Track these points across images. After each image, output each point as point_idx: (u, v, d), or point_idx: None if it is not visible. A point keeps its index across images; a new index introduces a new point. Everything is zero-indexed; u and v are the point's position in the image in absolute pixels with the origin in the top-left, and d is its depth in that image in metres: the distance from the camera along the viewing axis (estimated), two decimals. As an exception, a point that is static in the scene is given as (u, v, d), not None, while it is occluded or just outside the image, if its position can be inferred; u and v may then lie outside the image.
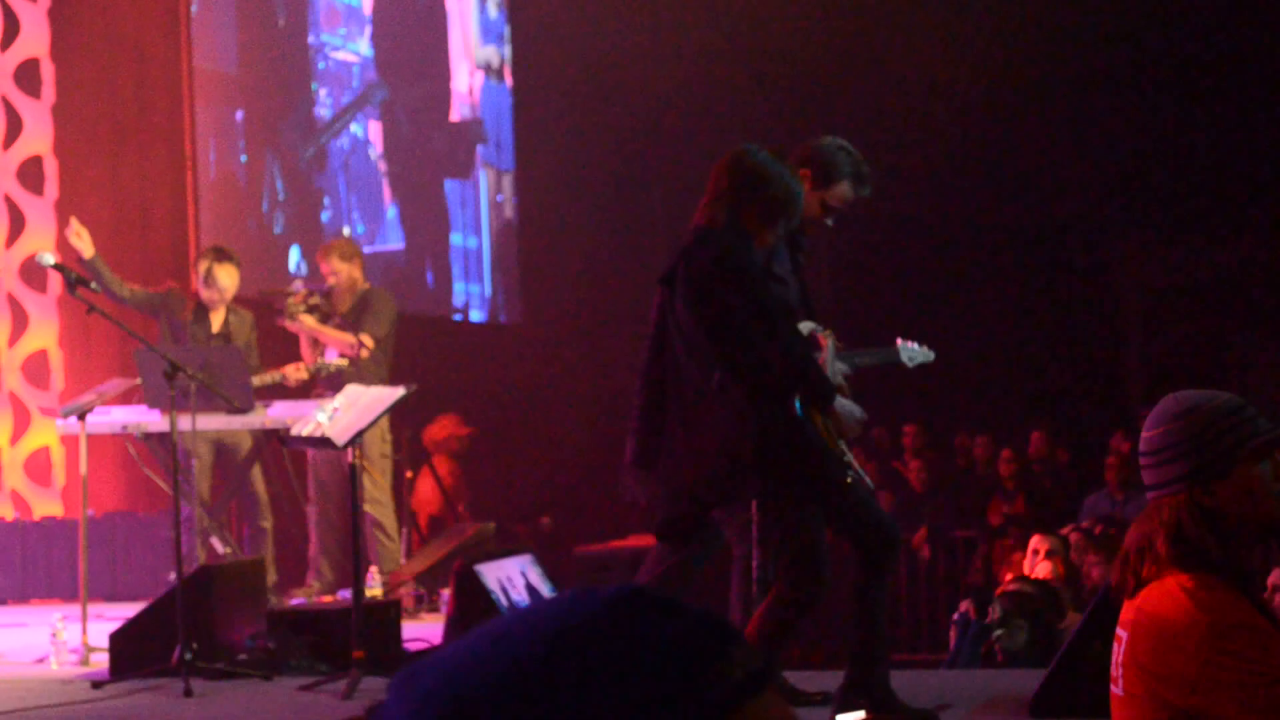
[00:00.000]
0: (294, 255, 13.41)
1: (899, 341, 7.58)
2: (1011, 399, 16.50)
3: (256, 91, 13.32)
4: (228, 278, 10.37)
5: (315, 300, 10.81)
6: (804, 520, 6.04)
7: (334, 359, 10.69)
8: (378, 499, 10.83)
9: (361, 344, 10.61)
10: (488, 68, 16.16)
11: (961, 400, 16.50)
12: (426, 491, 13.30)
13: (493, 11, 16.28)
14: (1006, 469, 14.72)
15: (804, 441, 6.00)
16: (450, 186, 15.52)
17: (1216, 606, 3.45)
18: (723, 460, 6.04)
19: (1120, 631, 3.59)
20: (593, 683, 1.30)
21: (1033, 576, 10.58)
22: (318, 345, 10.79)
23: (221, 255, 10.52)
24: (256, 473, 10.66)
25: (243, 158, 13.06)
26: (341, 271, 10.89)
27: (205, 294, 10.40)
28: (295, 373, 10.49)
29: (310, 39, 13.85)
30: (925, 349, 7.64)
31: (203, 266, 10.47)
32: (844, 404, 6.21)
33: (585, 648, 1.32)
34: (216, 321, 10.45)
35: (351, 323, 10.75)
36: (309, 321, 10.68)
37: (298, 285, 11.21)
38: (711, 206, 6.21)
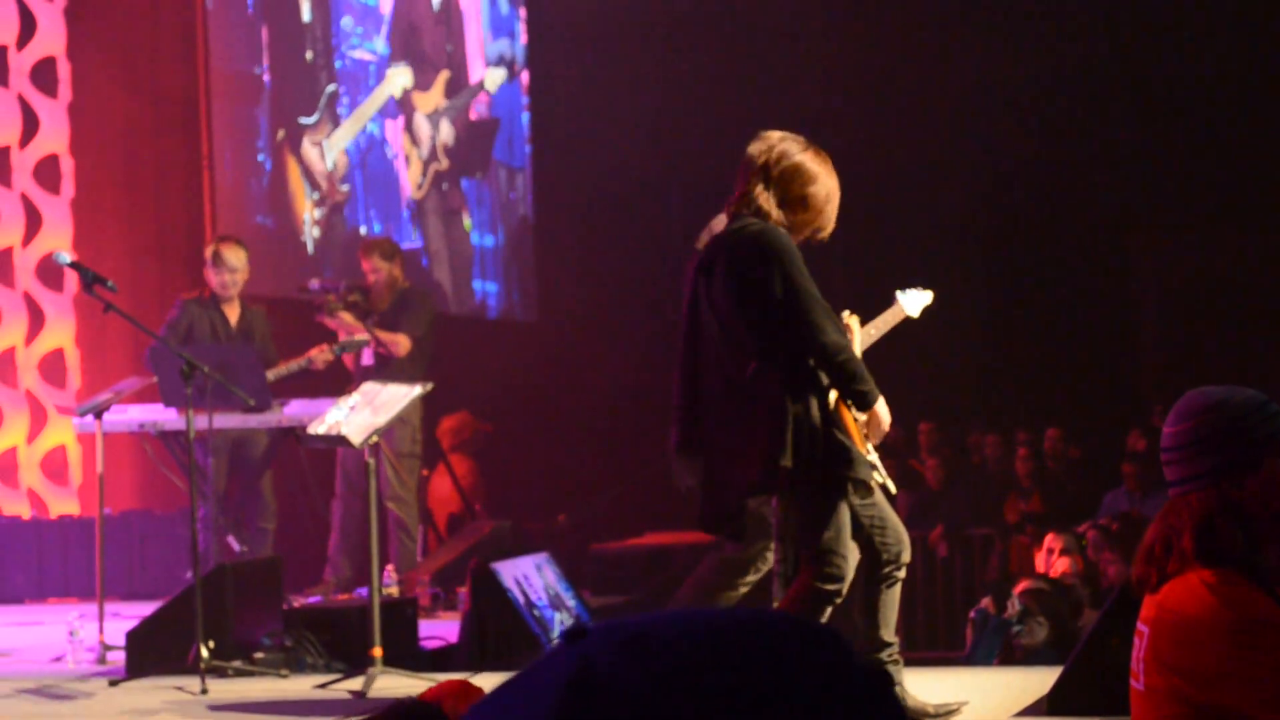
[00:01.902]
0: (309, 252, 13.42)
1: (898, 296, 7.44)
2: (1027, 395, 16.47)
3: (281, 90, 13.31)
4: (235, 257, 10.35)
5: (354, 297, 10.84)
6: (830, 514, 6.00)
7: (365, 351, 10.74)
8: (403, 497, 10.86)
9: (381, 342, 10.64)
10: (500, 64, 16.15)
11: (977, 397, 16.47)
12: (444, 490, 13.30)
13: (504, 7, 16.27)
14: (1023, 466, 14.71)
15: (834, 438, 5.97)
16: (466, 185, 15.52)
17: (1240, 602, 3.44)
18: (753, 453, 6.01)
19: (1141, 626, 3.58)
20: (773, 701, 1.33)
21: (1050, 574, 10.58)
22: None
23: (227, 239, 10.56)
24: (266, 476, 10.66)
25: (260, 156, 13.06)
26: (382, 270, 10.96)
27: (216, 279, 10.36)
28: (320, 354, 10.46)
29: (332, 39, 13.85)
30: (919, 290, 7.49)
31: (209, 251, 10.49)
32: (883, 407, 6.17)
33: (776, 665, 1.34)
34: (233, 316, 10.44)
35: (390, 321, 10.80)
36: (347, 318, 10.70)
37: (314, 284, 11.21)
38: (751, 196, 6.17)
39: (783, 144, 6.18)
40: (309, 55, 13.65)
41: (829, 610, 6.07)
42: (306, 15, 13.64)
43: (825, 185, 6.16)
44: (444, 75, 15.09)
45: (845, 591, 6.06)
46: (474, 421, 13.87)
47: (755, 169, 6.16)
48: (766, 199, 6.09)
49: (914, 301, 7.40)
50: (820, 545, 5.99)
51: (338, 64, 13.89)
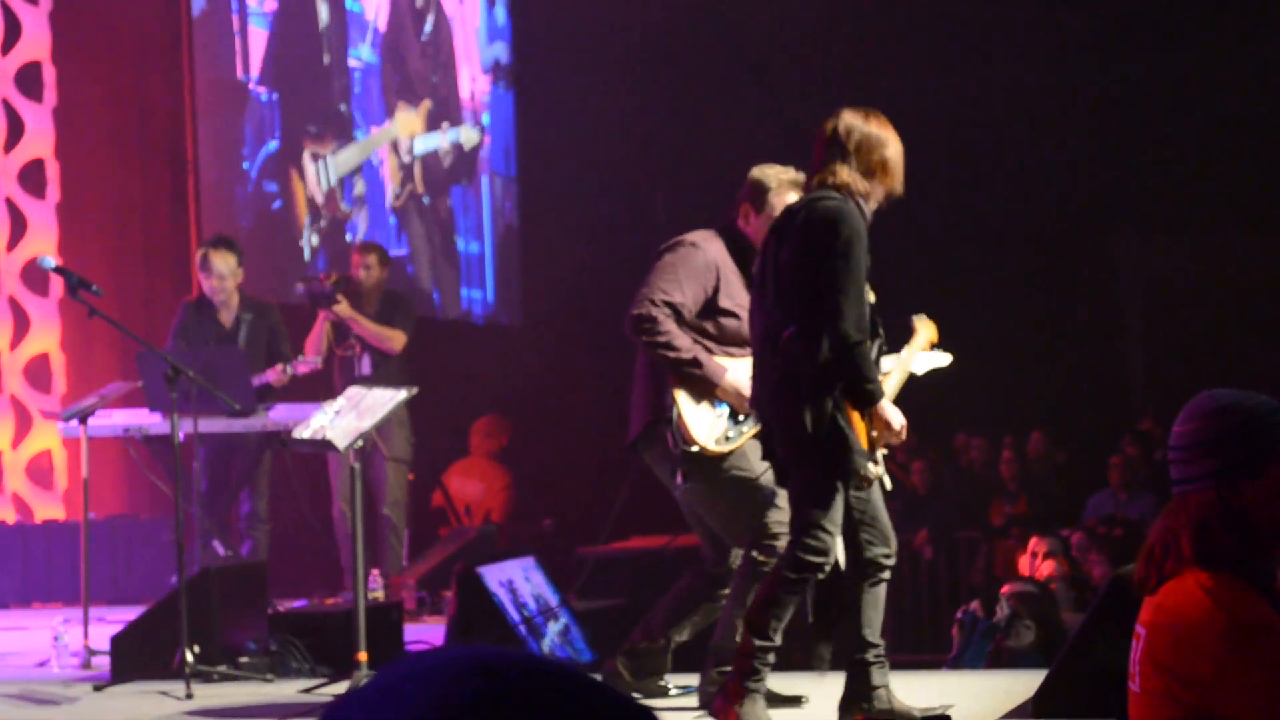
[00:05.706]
0: (305, 259, 13.39)
1: (915, 357, 7.45)
2: (1013, 399, 16.47)
3: (289, 99, 13.29)
4: (223, 263, 10.28)
5: (345, 287, 10.88)
6: (824, 491, 6.02)
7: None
8: (400, 501, 10.92)
9: (375, 337, 10.71)
10: (495, 72, 16.14)
11: (963, 400, 16.47)
12: (471, 492, 13.51)
13: (500, 16, 16.26)
14: (1008, 469, 14.72)
15: (837, 424, 5.97)
16: (453, 192, 15.51)
17: (1236, 606, 3.42)
18: (768, 418, 6.10)
19: (1139, 628, 3.56)
20: None
21: (1035, 577, 10.59)
22: (338, 331, 10.82)
23: (218, 242, 10.47)
24: (260, 480, 10.64)
25: (245, 164, 13.03)
26: (375, 270, 11.01)
27: (206, 284, 10.34)
28: (277, 377, 10.41)
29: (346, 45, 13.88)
30: (938, 354, 7.52)
31: (199, 253, 10.47)
32: (889, 408, 6.17)
33: None
34: (227, 319, 10.40)
35: (383, 320, 10.88)
36: (346, 310, 10.71)
37: (300, 289, 11.20)
38: (830, 171, 6.20)
39: (848, 117, 6.25)
40: (313, 62, 13.64)
41: (812, 581, 6.10)
42: (324, 19, 13.62)
43: (895, 146, 6.34)
44: (426, 105, 15.07)
45: (828, 569, 6.08)
46: (507, 424, 14.03)
47: (828, 145, 6.22)
48: (848, 173, 6.19)
49: (924, 361, 7.42)
50: (810, 518, 6.02)
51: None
